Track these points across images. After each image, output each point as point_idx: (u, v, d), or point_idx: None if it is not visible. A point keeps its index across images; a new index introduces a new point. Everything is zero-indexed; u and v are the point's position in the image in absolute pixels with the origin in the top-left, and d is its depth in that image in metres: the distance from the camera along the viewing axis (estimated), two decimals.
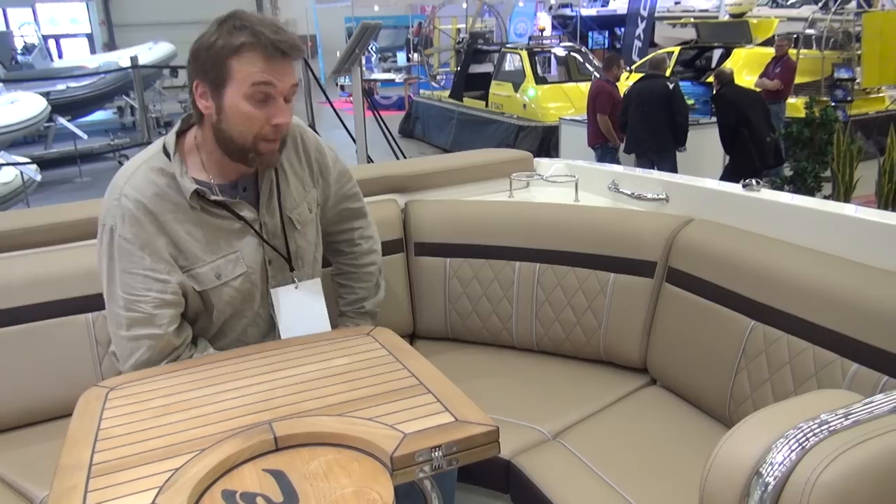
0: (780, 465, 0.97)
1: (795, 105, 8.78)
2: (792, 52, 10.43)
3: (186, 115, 1.58)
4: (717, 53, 11.68)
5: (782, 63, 8.63)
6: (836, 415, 1.03)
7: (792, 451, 0.98)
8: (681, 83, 6.89)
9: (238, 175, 1.58)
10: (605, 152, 6.87)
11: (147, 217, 1.48)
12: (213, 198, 1.52)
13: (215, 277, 1.55)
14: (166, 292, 1.50)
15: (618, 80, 6.94)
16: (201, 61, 1.43)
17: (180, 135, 1.57)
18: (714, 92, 6.72)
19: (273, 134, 1.48)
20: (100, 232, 1.51)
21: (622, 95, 6.68)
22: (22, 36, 18.97)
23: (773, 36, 11.86)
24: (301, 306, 1.67)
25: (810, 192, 5.93)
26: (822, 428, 1.00)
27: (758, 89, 7.93)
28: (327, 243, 1.86)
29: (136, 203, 1.47)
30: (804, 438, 0.99)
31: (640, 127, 6.37)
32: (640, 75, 6.97)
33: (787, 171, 6.28)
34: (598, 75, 10.09)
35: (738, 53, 10.56)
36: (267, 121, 1.46)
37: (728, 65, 9.33)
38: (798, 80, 9.66)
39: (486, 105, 10.84)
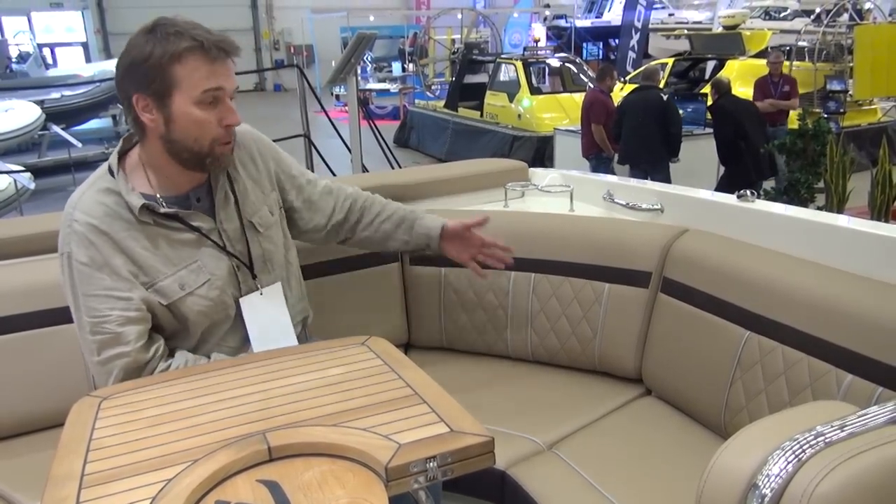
0: (776, 477, 0.97)
1: (789, 117, 8.82)
2: (784, 64, 10.49)
3: (127, 136, 1.57)
4: (710, 65, 11.78)
5: (786, 80, 8.16)
6: (832, 426, 1.03)
7: (788, 463, 0.98)
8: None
9: (189, 186, 1.56)
10: (600, 162, 6.89)
11: (100, 238, 1.47)
12: (163, 210, 1.51)
13: (179, 288, 1.53)
14: (129, 309, 1.48)
15: (611, 90, 6.97)
16: (140, 74, 1.41)
17: (122, 155, 1.56)
18: (711, 102, 6.74)
19: (226, 136, 1.50)
20: (59, 262, 1.51)
21: (616, 106, 6.71)
22: (17, 44, 18.96)
23: (767, 48, 11.96)
24: (266, 312, 1.66)
25: (804, 203, 5.96)
26: (818, 439, 1.00)
27: (757, 103, 7.82)
28: (341, 220, 1.87)
29: (88, 226, 1.46)
30: (800, 450, 0.99)
31: (634, 138, 6.39)
32: (634, 86, 7.00)
33: (775, 183, 6.31)
34: (592, 86, 10.17)
35: (731, 65, 10.65)
36: (218, 123, 1.47)
37: (723, 75, 9.37)
38: None
39: (481, 115, 10.88)
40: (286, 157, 1.81)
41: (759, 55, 11.65)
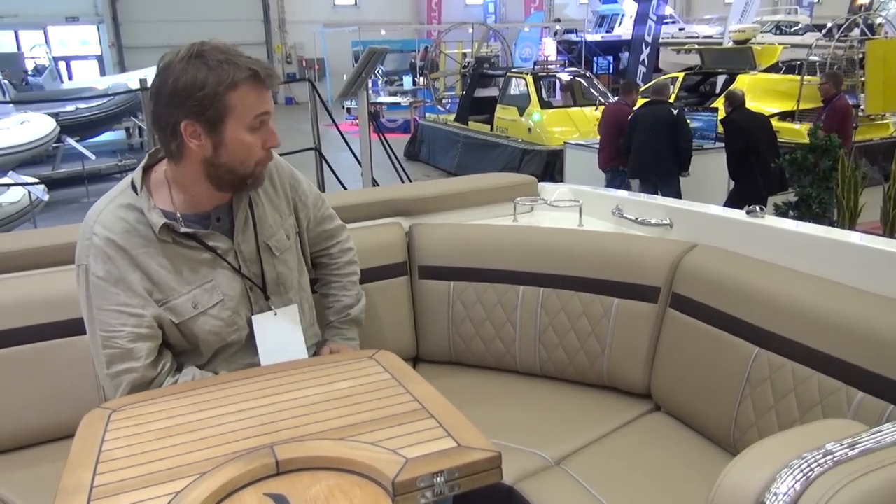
0: (784, 496, 0.96)
1: (799, 131, 8.79)
2: (793, 77, 10.44)
3: (153, 151, 1.59)
4: (720, 79, 11.77)
5: (831, 107, 6.96)
6: (842, 445, 1.03)
7: (796, 482, 0.97)
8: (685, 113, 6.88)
9: (211, 206, 1.58)
10: (615, 175, 6.87)
11: (118, 253, 1.49)
12: (182, 230, 1.52)
13: (192, 307, 1.55)
14: (141, 326, 1.50)
15: (635, 104, 6.97)
16: (193, 101, 1.41)
17: (147, 170, 1.58)
18: (724, 115, 6.68)
19: (268, 157, 1.55)
20: (76, 273, 1.53)
21: (627, 120, 6.71)
22: (33, 58, 19.20)
23: (777, 63, 11.93)
24: (279, 333, 1.67)
25: (816, 218, 5.91)
26: (827, 458, 1.00)
27: (768, 113, 7.61)
28: (311, 258, 1.89)
29: (107, 240, 1.48)
30: (808, 469, 0.98)
31: (644, 152, 6.39)
32: (644, 100, 7.00)
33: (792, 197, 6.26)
34: (601, 100, 10.19)
35: (741, 80, 10.64)
36: (262, 145, 1.51)
37: (736, 88, 9.33)
38: (802, 105, 9.69)
39: (492, 129, 10.91)
40: (306, 186, 1.82)
41: (769, 69, 11.64)
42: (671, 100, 9.03)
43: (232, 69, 1.42)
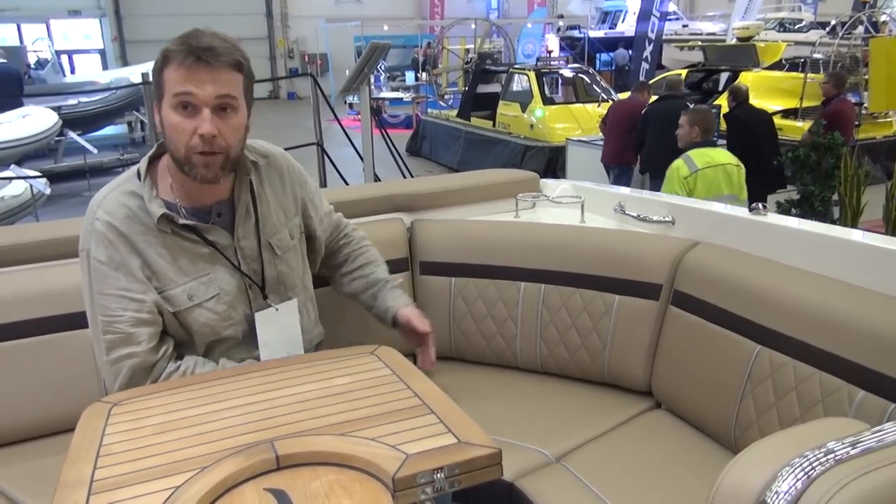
0: (785, 494, 0.96)
1: (802, 129, 8.76)
2: (796, 75, 10.41)
3: (161, 142, 1.58)
4: (724, 76, 11.75)
5: (825, 110, 6.93)
6: (843, 444, 1.02)
7: (798, 480, 0.97)
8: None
9: (212, 200, 1.58)
10: (623, 173, 6.83)
11: (119, 238, 1.49)
12: (181, 222, 1.53)
13: (187, 299, 1.55)
14: (142, 311, 1.50)
15: (647, 101, 6.96)
16: (153, 79, 1.48)
17: (154, 159, 1.58)
18: (728, 110, 6.65)
19: (203, 146, 1.43)
20: (80, 258, 1.54)
21: (641, 115, 6.69)
22: (35, 51, 19.19)
23: (781, 60, 11.90)
24: (279, 329, 1.67)
25: (818, 216, 5.89)
26: (829, 457, 0.99)
27: (771, 111, 7.61)
28: (330, 247, 1.91)
29: (108, 225, 1.49)
30: (810, 467, 0.98)
31: (658, 147, 6.35)
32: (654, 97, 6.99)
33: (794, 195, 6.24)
34: (604, 96, 10.17)
35: (744, 77, 10.60)
36: (194, 131, 1.43)
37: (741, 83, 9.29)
38: (806, 103, 9.66)
39: (494, 125, 10.89)
40: (313, 186, 1.83)
41: (773, 67, 11.61)
42: None
43: (173, 45, 1.43)
